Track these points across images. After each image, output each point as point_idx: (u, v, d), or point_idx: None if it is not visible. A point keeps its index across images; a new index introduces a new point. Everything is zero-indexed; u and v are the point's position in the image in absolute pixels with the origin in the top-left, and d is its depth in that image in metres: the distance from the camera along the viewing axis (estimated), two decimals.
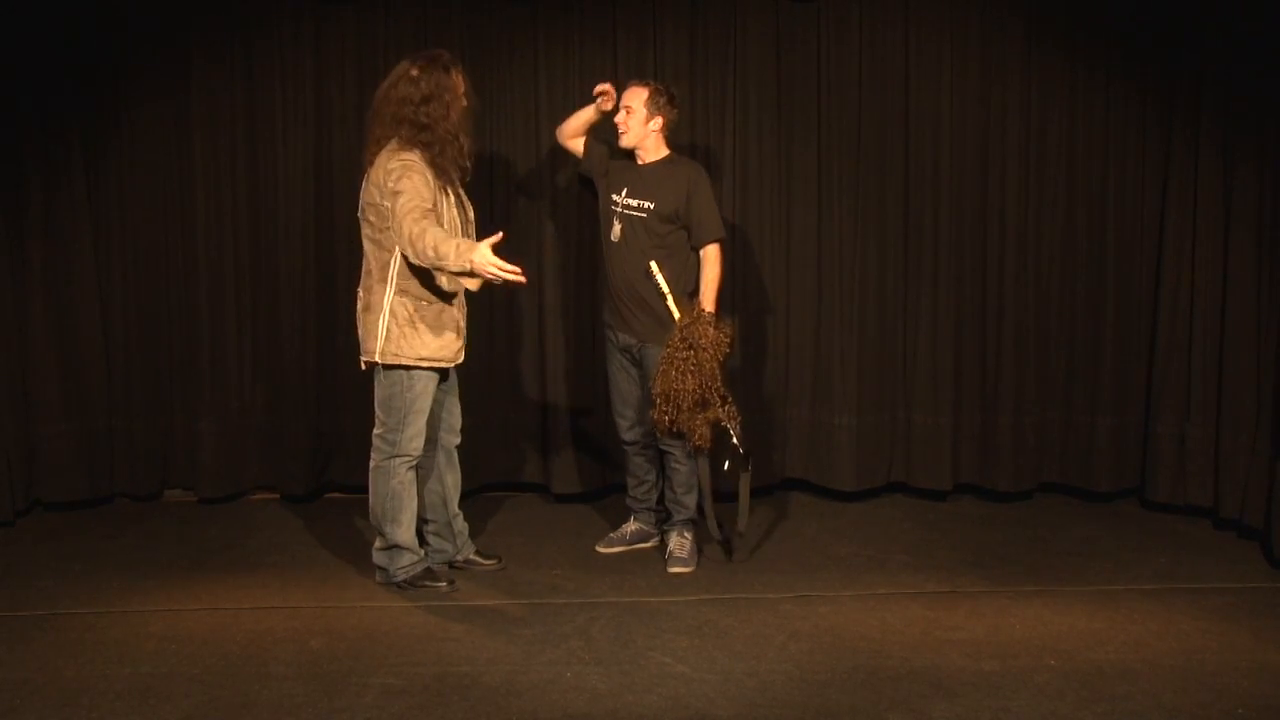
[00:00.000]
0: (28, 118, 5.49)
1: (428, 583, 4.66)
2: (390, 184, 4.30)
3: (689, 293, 4.84)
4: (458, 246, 4.10)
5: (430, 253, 4.13)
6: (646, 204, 4.81)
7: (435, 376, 4.53)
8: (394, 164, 4.33)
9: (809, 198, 5.76)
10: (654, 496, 5.15)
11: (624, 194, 4.87)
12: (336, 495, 5.88)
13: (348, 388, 5.68)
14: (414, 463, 4.57)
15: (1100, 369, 5.76)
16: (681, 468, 4.91)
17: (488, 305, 5.71)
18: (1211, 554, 5.12)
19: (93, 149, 5.62)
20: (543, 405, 5.81)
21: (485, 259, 4.06)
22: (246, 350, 5.79)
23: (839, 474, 5.80)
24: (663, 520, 5.15)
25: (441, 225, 4.32)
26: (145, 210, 5.70)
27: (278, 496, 5.86)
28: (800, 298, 5.80)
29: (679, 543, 4.95)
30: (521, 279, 4.13)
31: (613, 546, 5.13)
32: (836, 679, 3.89)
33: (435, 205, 4.33)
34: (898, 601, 4.57)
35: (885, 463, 5.86)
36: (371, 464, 4.59)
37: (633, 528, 5.18)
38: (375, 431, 4.57)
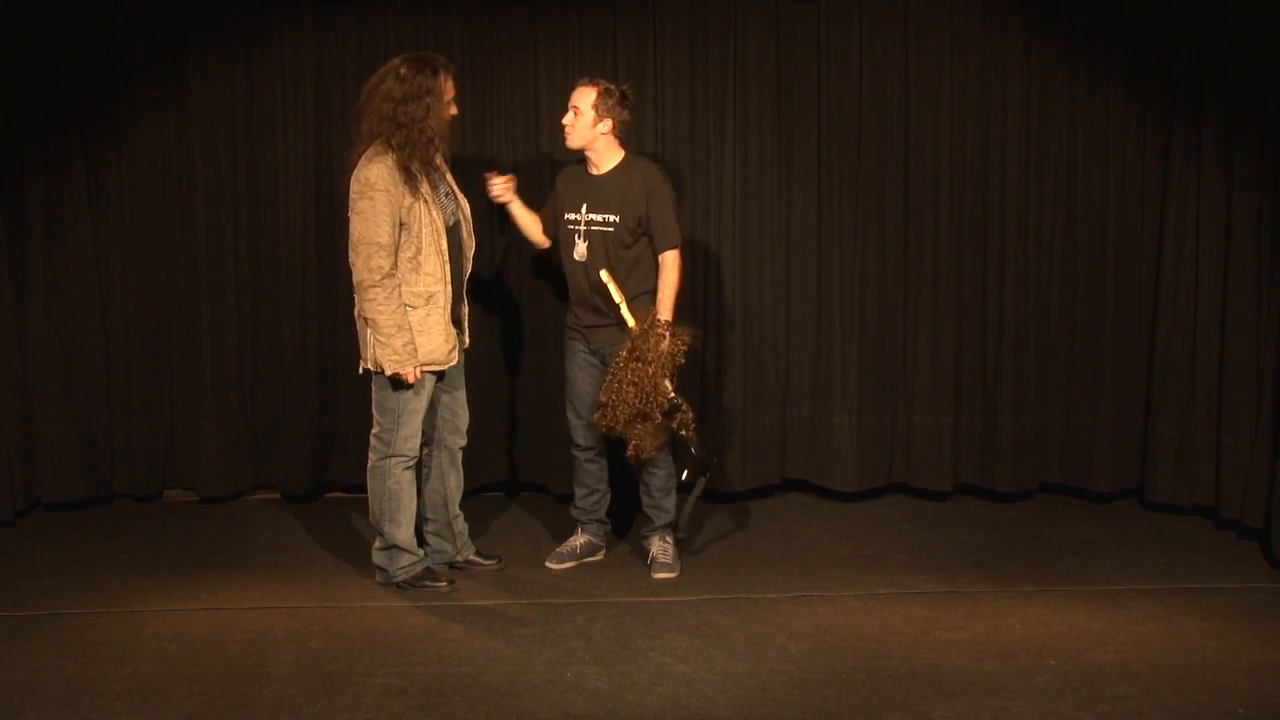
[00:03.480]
0: (28, 117, 5.49)
1: (427, 583, 4.66)
2: (352, 197, 4.38)
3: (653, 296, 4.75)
4: (398, 347, 4.36)
5: (373, 320, 4.37)
6: (611, 217, 4.69)
7: (430, 378, 4.53)
8: (358, 182, 4.37)
9: (809, 198, 5.76)
10: (603, 508, 5.05)
11: (584, 210, 4.73)
12: (337, 495, 5.88)
13: (348, 388, 5.67)
14: (410, 463, 4.58)
15: (1100, 369, 5.76)
16: (659, 471, 4.85)
17: (487, 304, 5.71)
18: (1211, 554, 5.12)
19: (93, 149, 5.61)
20: (543, 406, 5.80)
21: (403, 380, 4.42)
22: (246, 350, 5.79)
23: (839, 474, 5.79)
24: (611, 532, 5.13)
25: (413, 236, 4.38)
26: (145, 210, 5.70)
27: (278, 496, 5.86)
28: (800, 298, 5.80)
29: (661, 548, 4.92)
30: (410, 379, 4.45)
31: (564, 562, 4.97)
32: (836, 679, 3.89)
33: (395, 227, 4.35)
34: (898, 601, 4.57)
35: (885, 463, 5.86)
36: (369, 464, 4.59)
37: (581, 540, 5.05)
38: (372, 432, 4.58)
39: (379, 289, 4.35)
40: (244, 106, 5.68)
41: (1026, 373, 5.78)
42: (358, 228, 4.35)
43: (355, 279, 4.40)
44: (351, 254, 4.39)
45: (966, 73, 5.67)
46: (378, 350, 4.40)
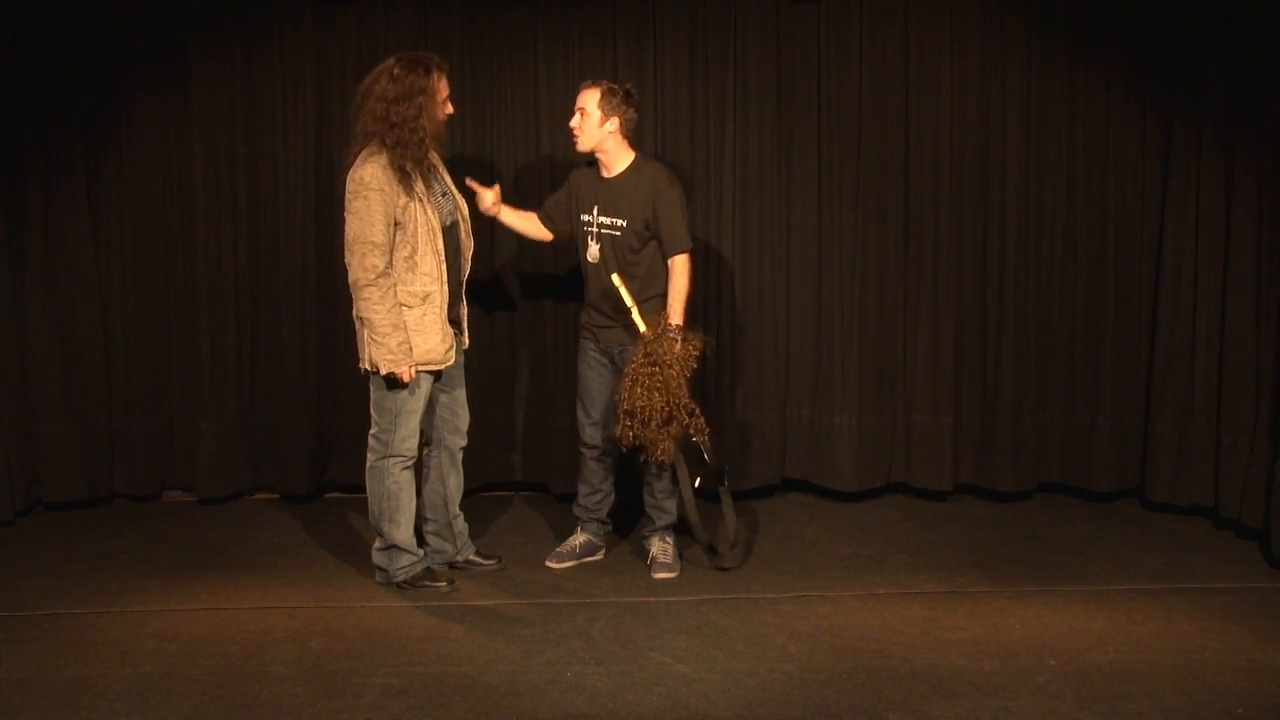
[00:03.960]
0: (28, 118, 5.49)
1: (427, 583, 4.66)
2: (347, 198, 4.39)
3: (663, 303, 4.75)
4: (393, 346, 4.36)
5: (368, 320, 4.38)
6: (620, 221, 4.71)
7: (427, 378, 4.54)
8: (353, 182, 4.37)
9: (809, 198, 5.76)
10: (605, 508, 5.05)
11: (595, 212, 4.76)
12: (336, 495, 5.88)
13: (348, 388, 5.67)
14: (409, 463, 4.58)
15: (1100, 369, 5.76)
16: (663, 473, 4.85)
17: (487, 304, 5.71)
18: (1211, 554, 5.12)
19: (93, 149, 5.61)
20: (543, 406, 5.80)
21: (398, 379, 4.43)
22: (246, 350, 5.79)
23: (839, 474, 5.79)
24: (611, 532, 5.13)
25: (409, 236, 4.38)
26: (145, 210, 5.70)
27: (277, 496, 5.86)
28: (800, 298, 5.80)
29: (661, 548, 4.92)
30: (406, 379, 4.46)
31: (563, 561, 4.98)
32: (836, 679, 3.89)
33: (390, 226, 4.36)
34: (898, 601, 4.57)
35: (885, 463, 5.86)
36: (367, 464, 4.60)
37: (581, 539, 5.05)
38: (371, 432, 4.58)
39: (374, 288, 4.35)
40: (244, 106, 5.67)
41: (1026, 373, 5.78)
42: (352, 227, 4.36)
43: (350, 278, 4.41)
44: (347, 254, 4.40)
45: (966, 73, 5.67)
46: (373, 349, 4.40)
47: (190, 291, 5.73)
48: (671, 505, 4.92)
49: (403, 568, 4.65)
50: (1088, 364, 5.78)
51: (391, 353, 4.38)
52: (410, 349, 4.41)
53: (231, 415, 5.78)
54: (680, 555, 4.96)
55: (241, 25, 5.63)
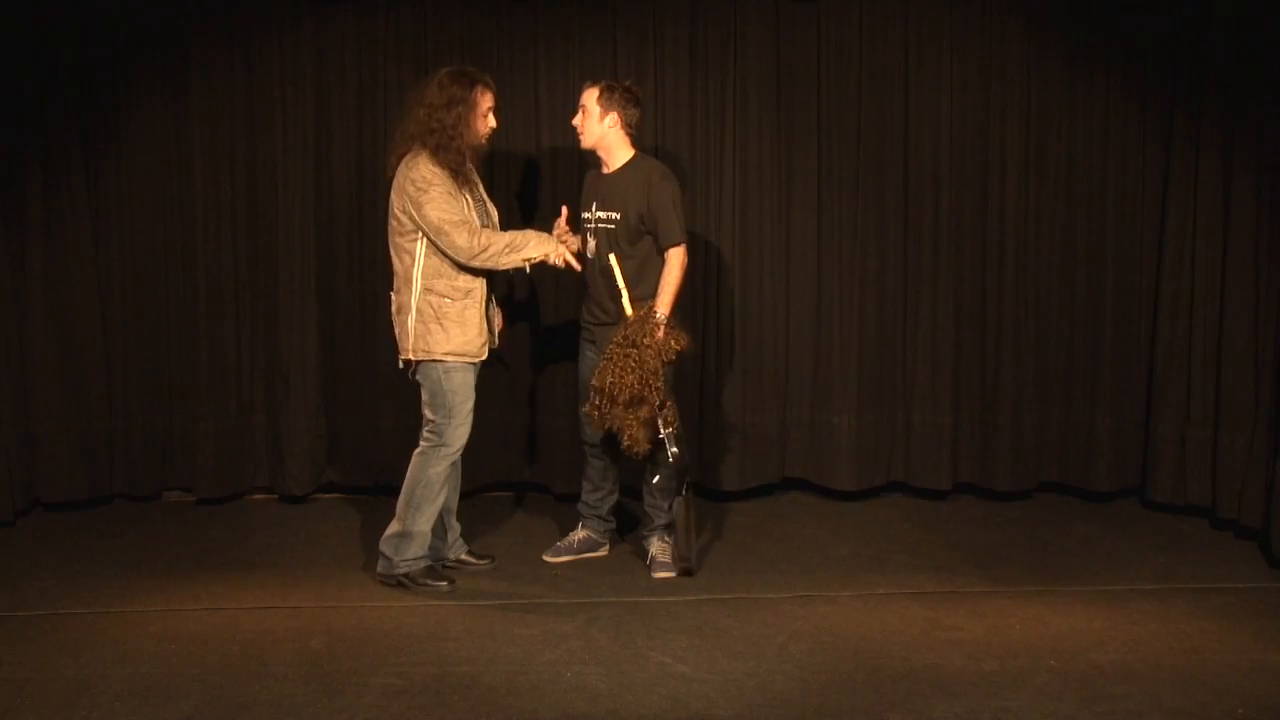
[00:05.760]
0: (27, 117, 5.49)
1: (428, 582, 4.66)
2: (412, 196, 4.48)
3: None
4: (534, 240, 4.60)
5: (505, 257, 4.55)
6: (614, 215, 4.73)
7: (470, 369, 4.61)
8: (417, 180, 4.47)
9: (809, 198, 5.76)
10: (606, 505, 5.06)
11: (594, 208, 4.80)
12: (336, 495, 5.88)
13: (347, 388, 5.68)
14: (456, 456, 4.64)
15: (1100, 369, 5.76)
16: (661, 471, 4.83)
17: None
18: (1211, 554, 5.12)
19: (93, 149, 5.61)
20: (543, 406, 5.80)
21: (558, 243, 4.66)
22: (245, 350, 5.79)
23: (839, 474, 5.80)
24: (612, 529, 5.13)
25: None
26: (145, 210, 5.70)
27: (277, 497, 5.86)
28: (800, 298, 5.80)
29: (661, 547, 4.91)
30: (576, 266, 4.70)
31: (560, 555, 5.01)
32: (836, 679, 3.89)
33: (464, 209, 4.50)
34: (898, 601, 4.57)
35: (885, 463, 5.86)
36: (418, 449, 4.65)
37: (581, 535, 5.07)
38: (426, 428, 4.65)
39: (480, 237, 4.49)
40: (244, 106, 5.68)
41: (1026, 372, 5.79)
42: (433, 214, 4.45)
43: (463, 256, 4.49)
44: (440, 240, 4.49)
45: (966, 73, 5.68)
46: (529, 255, 4.57)
47: (190, 291, 5.73)
48: (670, 505, 4.91)
49: (407, 560, 4.64)
50: (1087, 364, 5.78)
51: (534, 248, 4.56)
52: (535, 231, 4.61)
53: (231, 416, 5.77)
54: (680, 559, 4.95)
55: (241, 25, 5.63)
